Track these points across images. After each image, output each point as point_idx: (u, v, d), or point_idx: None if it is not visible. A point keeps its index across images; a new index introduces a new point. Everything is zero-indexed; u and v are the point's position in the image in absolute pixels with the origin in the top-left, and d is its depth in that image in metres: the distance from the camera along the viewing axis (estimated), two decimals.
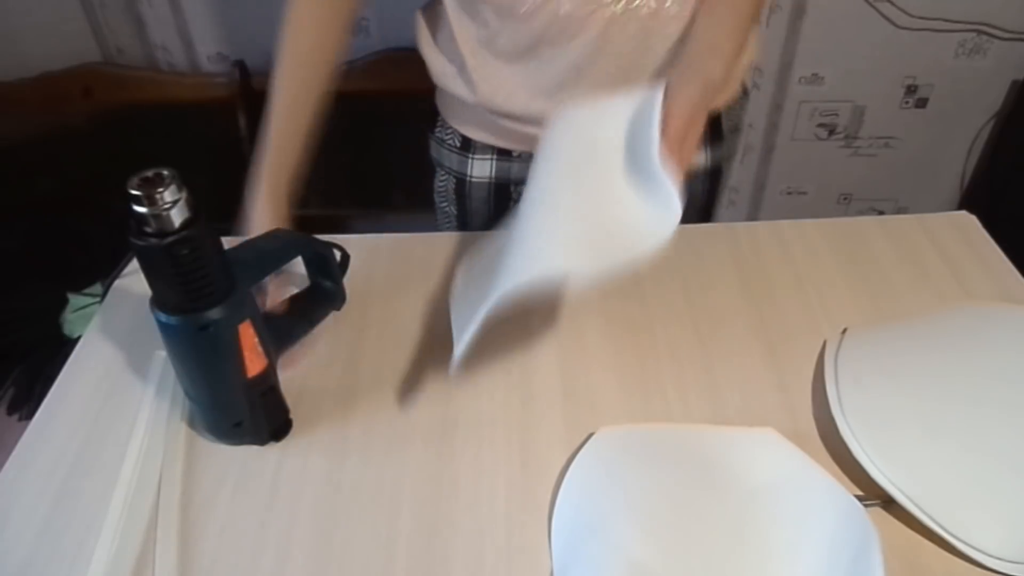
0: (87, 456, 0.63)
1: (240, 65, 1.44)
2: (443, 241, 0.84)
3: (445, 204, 0.98)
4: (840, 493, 0.55)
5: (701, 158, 0.88)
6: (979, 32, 1.50)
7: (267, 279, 0.68)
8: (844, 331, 0.71)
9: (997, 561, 0.53)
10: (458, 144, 0.92)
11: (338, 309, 0.74)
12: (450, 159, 0.93)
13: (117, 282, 0.78)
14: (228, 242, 0.57)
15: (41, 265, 1.49)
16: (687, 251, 0.81)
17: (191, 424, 0.65)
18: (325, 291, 0.73)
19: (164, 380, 0.67)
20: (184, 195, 0.50)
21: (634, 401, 0.66)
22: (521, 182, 0.91)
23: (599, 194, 0.63)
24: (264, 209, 0.73)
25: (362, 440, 0.64)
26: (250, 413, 0.61)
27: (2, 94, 1.42)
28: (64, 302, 1.44)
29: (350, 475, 0.61)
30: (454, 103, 0.88)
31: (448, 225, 0.99)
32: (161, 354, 0.69)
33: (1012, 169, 1.63)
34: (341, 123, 1.53)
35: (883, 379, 0.64)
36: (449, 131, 0.92)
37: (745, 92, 0.91)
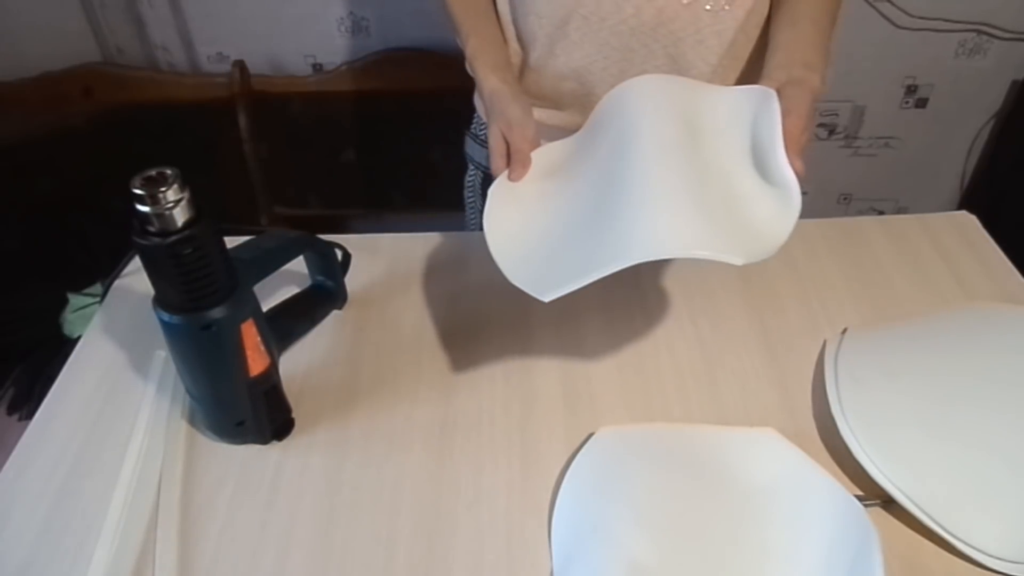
0: (87, 456, 0.63)
1: (240, 65, 1.44)
2: (443, 241, 0.84)
3: (472, 199, 0.98)
4: (840, 493, 0.55)
5: None
6: (979, 32, 1.50)
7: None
8: (844, 331, 0.71)
9: (997, 561, 0.53)
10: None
11: (339, 308, 0.75)
12: (480, 154, 0.93)
13: (117, 282, 0.78)
14: (230, 241, 0.57)
15: (41, 265, 1.50)
16: None
17: (192, 423, 0.65)
18: (327, 290, 0.73)
19: (164, 380, 0.67)
20: (187, 194, 0.50)
21: (634, 401, 0.66)
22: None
23: (721, 181, 0.63)
24: (499, 84, 0.72)
25: (362, 440, 0.64)
26: (252, 412, 0.61)
27: (2, 94, 1.42)
28: (64, 302, 1.44)
29: (350, 475, 0.61)
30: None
31: (474, 220, 0.99)
32: (161, 354, 0.69)
33: (1012, 169, 1.63)
34: (341, 123, 1.54)
35: (883, 379, 0.64)
36: (483, 126, 0.92)
37: None
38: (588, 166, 0.67)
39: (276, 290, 0.73)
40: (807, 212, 0.85)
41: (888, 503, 0.57)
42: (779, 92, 0.65)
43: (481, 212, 0.97)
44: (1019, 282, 0.77)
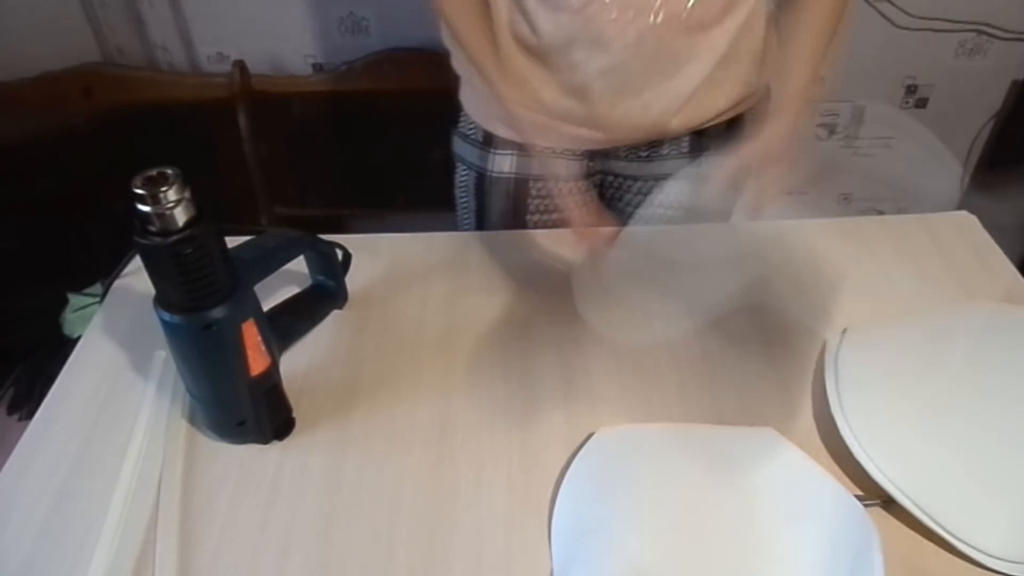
0: (87, 456, 0.63)
1: (240, 65, 1.44)
2: (443, 241, 0.84)
3: (465, 199, 0.98)
4: (840, 493, 0.55)
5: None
6: (979, 32, 1.50)
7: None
8: (844, 331, 0.71)
9: (997, 561, 0.53)
10: (480, 139, 0.91)
11: (340, 308, 0.74)
12: (471, 154, 0.93)
13: (117, 282, 0.78)
14: (230, 241, 0.57)
15: (41, 265, 1.50)
16: (687, 251, 0.81)
17: (192, 423, 0.65)
18: (327, 290, 0.73)
19: (164, 380, 0.67)
20: (187, 194, 0.50)
21: (634, 401, 0.66)
22: (540, 179, 0.91)
23: None
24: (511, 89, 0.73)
25: (362, 440, 0.64)
26: (253, 412, 0.61)
27: (2, 94, 1.42)
28: (64, 302, 1.44)
29: (350, 475, 0.61)
30: (478, 97, 0.88)
31: (467, 220, 0.99)
32: (162, 354, 0.69)
33: (1012, 169, 1.63)
34: (341, 123, 1.53)
35: (883, 379, 0.64)
36: (471, 126, 0.92)
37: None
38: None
39: (277, 290, 0.73)
40: (807, 212, 0.85)
41: (888, 503, 0.57)
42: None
43: (474, 212, 0.97)
44: (1019, 281, 0.77)
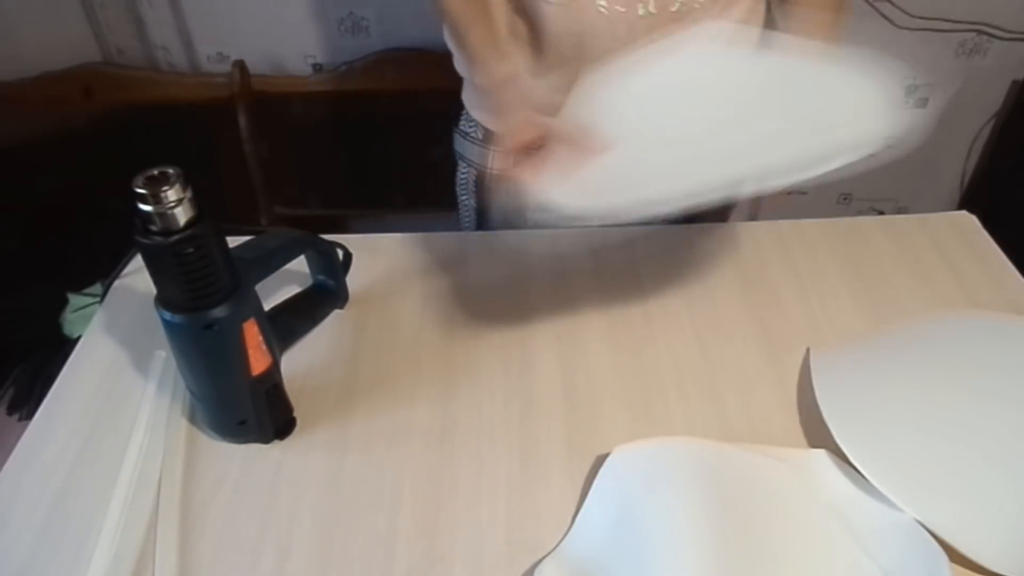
0: (87, 456, 0.63)
1: (240, 65, 1.44)
2: (443, 241, 0.84)
3: (465, 197, 0.98)
4: (903, 518, 0.54)
5: None
6: (979, 32, 1.50)
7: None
8: (832, 343, 0.71)
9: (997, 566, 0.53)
10: (480, 136, 0.92)
11: (341, 308, 0.74)
12: (472, 151, 0.93)
13: (117, 282, 0.78)
14: (231, 241, 0.57)
15: (41, 265, 1.50)
16: (687, 251, 0.81)
17: (193, 422, 0.65)
18: (328, 289, 0.73)
19: (164, 380, 0.67)
20: (188, 193, 0.50)
21: (634, 400, 0.66)
22: None
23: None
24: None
25: (362, 440, 0.64)
26: (254, 411, 0.61)
27: (2, 94, 1.42)
28: (64, 302, 1.44)
29: (350, 475, 0.61)
30: (477, 95, 0.88)
31: (468, 219, 0.99)
32: (162, 354, 0.69)
33: (1012, 169, 1.63)
34: (341, 123, 1.53)
35: (875, 387, 0.64)
36: (472, 124, 0.92)
37: None
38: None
39: (277, 289, 0.73)
40: (807, 212, 0.85)
41: None
42: None
43: (475, 211, 0.97)
44: (1018, 282, 0.77)
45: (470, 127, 0.92)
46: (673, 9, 0.73)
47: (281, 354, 0.64)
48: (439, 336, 0.73)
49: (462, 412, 0.66)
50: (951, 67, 1.55)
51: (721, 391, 0.67)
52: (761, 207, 1.78)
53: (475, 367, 0.69)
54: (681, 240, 0.83)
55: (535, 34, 0.77)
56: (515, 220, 0.92)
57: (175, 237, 0.50)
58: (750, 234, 0.83)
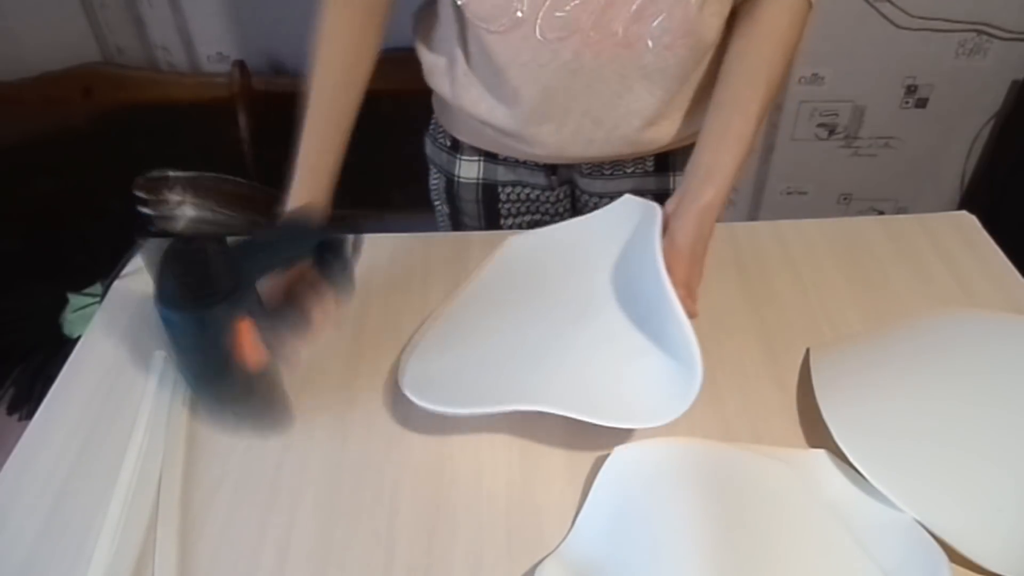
0: (87, 456, 0.63)
1: (240, 65, 1.44)
2: (443, 241, 0.84)
3: (439, 203, 0.99)
4: (903, 519, 0.54)
5: None
6: (979, 32, 1.50)
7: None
8: (829, 343, 0.71)
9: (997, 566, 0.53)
10: (448, 144, 0.92)
11: (346, 298, 0.73)
12: (441, 158, 0.94)
13: (117, 282, 0.78)
14: (230, 242, 0.57)
15: (41, 265, 1.49)
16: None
17: (192, 422, 0.65)
18: (331, 279, 0.72)
19: (164, 380, 0.67)
20: (189, 195, 0.50)
21: None
22: (509, 184, 0.92)
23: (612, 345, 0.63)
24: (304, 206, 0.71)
25: (362, 439, 0.64)
26: (251, 406, 0.61)
27: (2, 94, 1.42)
28: (64, 302, 1.44)
29: (350, 475, 0.61)
30: (443, 104, 0.88)
31: (443, 223, 1.00)
32: (161, 354, 0.69)
33: (1012, 169, 1.63)
34: None
35: (875, 389, 0.64)
36: (440, 131, 0.92)
37: None
38: (512, 308, 0.70)
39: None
40: (807, 212, 0.85)
41: None
42: (673, 210, 0.66)
43: (448, 216, 0.97)
44: (1019, 282, 0.77)
45: (439, 133, 0.92)
46: (620, 36, 0.72)
47: (281, 349, 0.64)
48: None
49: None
50: (951, 67, 1.55)
51: (721, 391, 0.67)
52: (761, 207, 1.78)
53: None
54: None
55: (484, 62, 0.76)
56: (487, 225, 0.93)
57: (174, 237, 0.50)
58: (750, 234, 0.83)
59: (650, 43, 0.72)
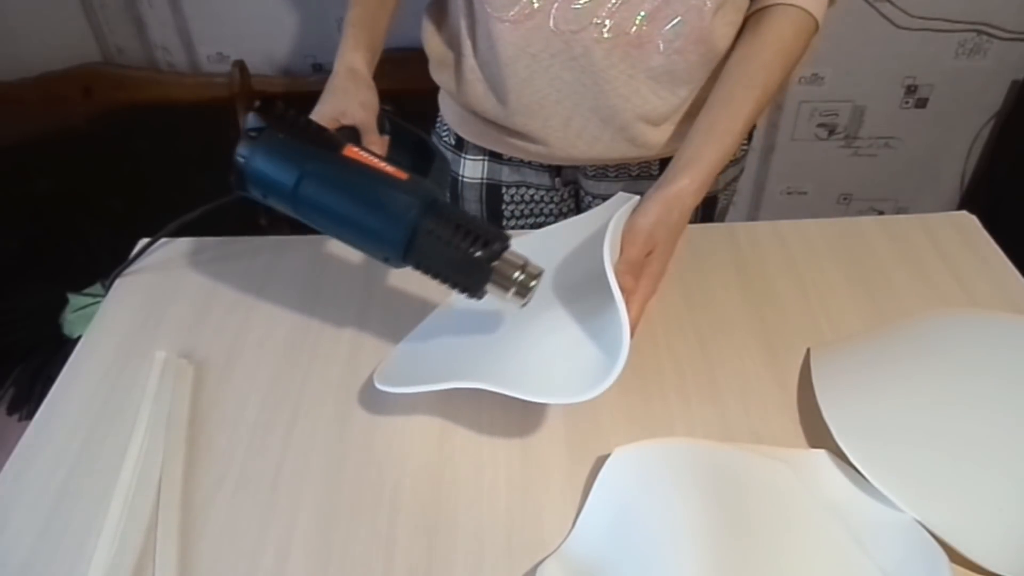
0: (87, 456, 0.63)
1: (240, 65, 1.44)
2: None
3: None
4: (904, 519, 0.54)
5: None
6: (979, 32, 1.50)
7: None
8: (829, 343, 0.71)
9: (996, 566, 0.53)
10: (452, 143, 0.92)
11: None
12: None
13: (117, 281, 0.78)
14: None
15: (41, 265, 1.49)
16: (687, 251, 0.81)
17: (193, 422, 0.65)
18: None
19: (164, 380, 0.67)
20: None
21: (634, 399, 0.66)
22: (513, 185, 0.92)
23: (553, 325, 0.63)
24: (363, 66, 0.71)
25: (362, 439, 0.64)
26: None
27: (2, 94, 1.42)
28: (64, 302, 1.44)
29: (350, 475, 0.61)
30: (449, 102, 0.88)
31: None
32: (161, 354, 0.69)
33: (1012, 169, 1.63)
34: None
35: (874, 390, 0.64)
36: (445, 129, 0.92)
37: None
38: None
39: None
40: (807, 212, 0.85)
41: None
42: (644, 195, 0.65)
43: None
44: (1019, 282, 0.77)
45: (444, 132, 0.92)
46: (631, 33, 0.72)
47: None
48: None
49: (462, 412, 0.66)
50: (951, 67, 1.55)
51: (721, 391, 0.67)
52: (761, 207, 1.78)
53: None
54: (681, 240, 0.83)
55: (492, 55, 0.76)
56: None
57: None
58: (750, 234, 0.83)
59: (661, 45, 0.73)
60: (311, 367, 0.70)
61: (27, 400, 1.39)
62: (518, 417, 0.65)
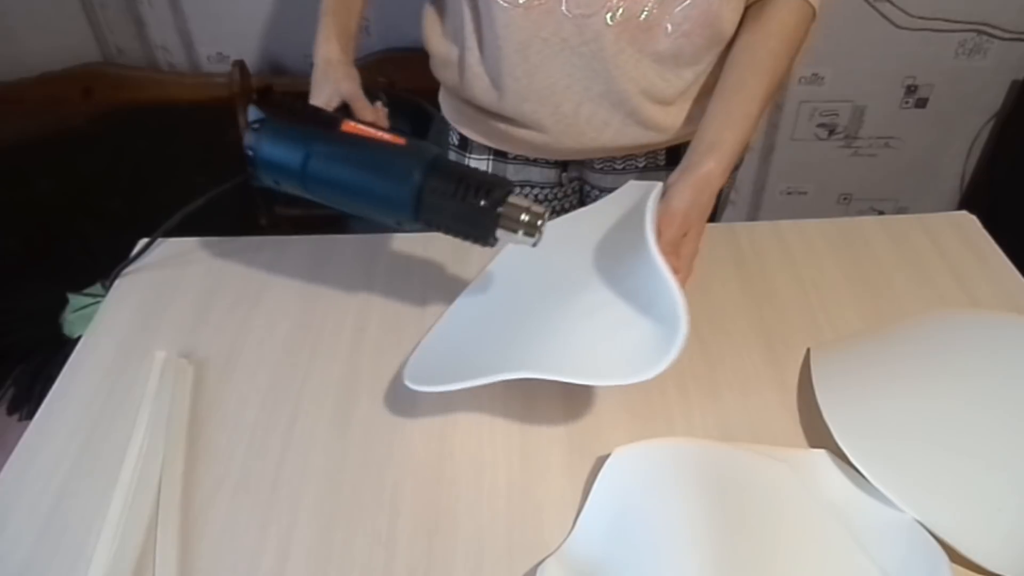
0: (87, 456, 0.63)
1: (240, 65, 1.44)
2: (443, 241, 0.84)
3: None
4: (904, 519, 0.54)
5: None
6: (979, 32, 1.50)
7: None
8: (830, 342, 0.71)
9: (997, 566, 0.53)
10: (456, 142, 0.92)
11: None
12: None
13: (117, 281, 0.78)
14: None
15: (41, 265, 1.49)
16: None
17: (193, 422, 0.65)
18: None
19: (164, 380, 0.67)
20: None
21: (634, 400, 0.66)
22: (517, 185, 0.91)
23: (604, 308, 0.63)
24: (339, 54, 0.75)
25: (362, 439, 0.64)
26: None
27: (2, 94, 1.42)
28: (64, 302, 1.44)
29: (350, 475, 0.61)
30: (452, 100, 0.88)
31: None
32: (161, 354, 0.69)
33: (1012, 169, 1.63)
34: None
35: (874, 389, 0.64)
36: (448, 128, 0.92)
37: None
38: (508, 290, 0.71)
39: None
40: (807, 212, 0.85)
41: None
42: (667, 187, 0.65)
43: None
44: (1019, 282, 0.77)
45: (446, 130, 0.92)
46: (640, 19, 0.73)
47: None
48: None
49: (462, 412, 0.66)
50: (951, 67, 1.55)
51: (721, 391, 0.67)
52: (761, 207, 1.78)
53: None
54: None
55: (500, 46, 0.76)
56: None
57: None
58: (750, 234, 0.84)
59: (669, 27, 0.73)
60: (311, 367, 0.70)
61: (27, 400, 1.39)
62: (518, 417, 0.65)
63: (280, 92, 0.63)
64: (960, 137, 1.68)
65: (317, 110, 0.64)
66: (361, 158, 0.60)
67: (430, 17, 0.85)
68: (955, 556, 0.53)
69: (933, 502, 0.55)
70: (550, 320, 0.64)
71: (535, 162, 0.90)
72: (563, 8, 0.72)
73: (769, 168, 1.71)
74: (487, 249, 0.62)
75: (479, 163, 0.91)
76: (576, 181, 0.94)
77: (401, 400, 0.67)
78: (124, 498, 0.58)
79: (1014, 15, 1.49)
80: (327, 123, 0.62)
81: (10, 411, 1.39)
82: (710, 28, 0.74)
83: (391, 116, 0.71)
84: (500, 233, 0.59)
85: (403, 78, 1.44)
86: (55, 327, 1.42)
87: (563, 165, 0.91)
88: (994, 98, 1.61)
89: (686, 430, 0.64)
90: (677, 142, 0.85)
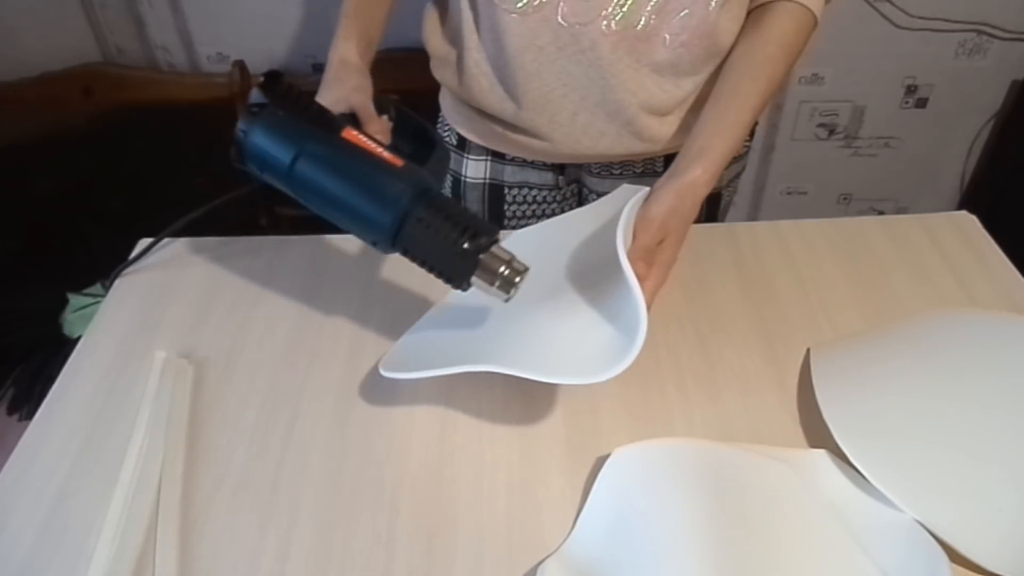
0: (87, 456, 0.63)
1: (240, 65, 1.44)
2: None
3: None
4: (904, 519, 0.54)
5: None
6: (979, 32, 1.50)
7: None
8: (828, 343, 0.71)
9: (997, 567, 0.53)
10: (454, 143, 0.92)
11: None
12: None
13: (117, 281, 0.78)
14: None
15: (41, 265, 1.49)
16: (687, 251, 0.81)
17: (193, 422, 0.65)
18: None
19: (164, 380, 0.67)
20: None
21: (634, 400, 0.66)
22: (515, 186, 0.91)
23: (569, 306, 0.63)
24: (356, 57, 0.72)
25: (362, 439, 0.64)
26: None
27: (2, 94, 1.42)
28: (64, 302, 1.44)
29: (350, 475, 0.61)
30: (452, 100, 0.88)
31: None
32: (161, 354, 0.69)
33: (1012, 169, 1.63)
34: None
35: (874, 389, 0.64)
36: (447, 129, 0.92)
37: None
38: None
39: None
40: (807, 212, 0.85)
41: None
42: (651, 191, 0.65)
43: None
44: (1019, 282, 0.77)
45: (445, 132, 0.92)
46: (638, 28, 0.73)
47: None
48: None
49: (462, 412, 0.66)
50: (951, 67, 1.55)
51: (721, 391, 0.67)
52: (761, 207, 1.78)
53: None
54: None
55: (498, 49, 0.76)
56: None
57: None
58: (750, 234, 0.83)
59: (667, 38, 0.73)
60: (311, 367, 0.70)
61: (27, 400, 1.39)
62: (518, 417, 0.65)
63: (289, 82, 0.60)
64: (960, 137, 1.68)
65: (322, 109, 0.62)
66: (353, 170, 0.58)
67: (430, 18, 0.85)
68: (955, 556, 0.53)
69: (933, 502, 0.55)
70: (523, 318, 0.64)
71: (533, 164, 0.90)
72: (559, 17, 0.72)
73: (769, 168, 1.71)
74: None
75: (477, 164, 0.91)
76: (574, 184, 0.94)
77: (401, 400, 0.67)
78: (124, 498, 0.58)
79: (1014, 15, 1.48)
80: (328, 125, 0.60)
81: (10, 411, 1.39)
82: (708, 39, 0.74)
83: (395, 133, 0.69)
84: (475, 280, 0.57)
85: (403, 78, 1.44)
86: (55, 327, 1.42)
87: (561, 168, 0.91)
88: (994, 98, 1.61)
89: (686, 430, 0.64)
90: (674, 150, 0.85)
